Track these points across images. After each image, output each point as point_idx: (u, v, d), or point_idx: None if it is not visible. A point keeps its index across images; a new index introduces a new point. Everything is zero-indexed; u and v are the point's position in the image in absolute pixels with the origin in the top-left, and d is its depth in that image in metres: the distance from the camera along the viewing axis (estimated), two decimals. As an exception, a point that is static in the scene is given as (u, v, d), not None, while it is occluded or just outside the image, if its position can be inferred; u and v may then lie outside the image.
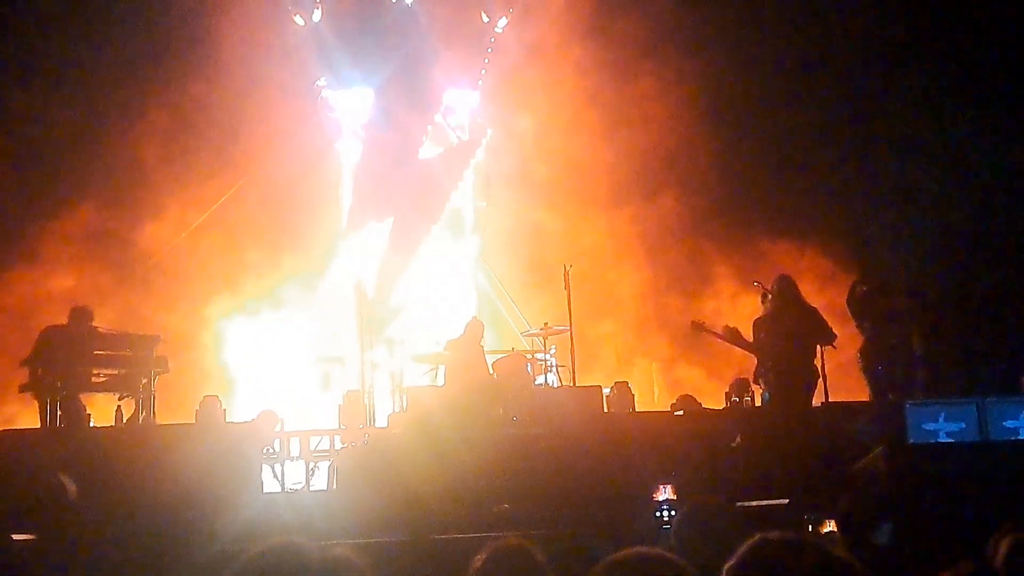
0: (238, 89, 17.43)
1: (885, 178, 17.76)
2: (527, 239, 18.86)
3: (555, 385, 14.99)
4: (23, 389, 12.74)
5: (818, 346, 11.85)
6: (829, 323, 12.04)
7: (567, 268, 14.89)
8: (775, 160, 18.62)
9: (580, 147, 18.28)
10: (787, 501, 9.85)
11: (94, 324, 13.13)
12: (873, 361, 12.86)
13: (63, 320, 13.04)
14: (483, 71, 19.57)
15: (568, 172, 18.41)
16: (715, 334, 12.27)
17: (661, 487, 9.58)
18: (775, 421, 11.84)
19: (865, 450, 10.42)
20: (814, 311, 12.03)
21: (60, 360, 12.60)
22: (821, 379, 12.04)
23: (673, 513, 9.62)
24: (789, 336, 11.72)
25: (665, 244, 18.47)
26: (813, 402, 12.20)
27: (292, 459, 12.45)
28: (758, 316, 12.15)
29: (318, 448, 12.72)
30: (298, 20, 18.77)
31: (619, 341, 18.10)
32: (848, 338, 13.03)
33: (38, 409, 12.57)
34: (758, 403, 13.42)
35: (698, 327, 12.34)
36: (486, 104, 19.71)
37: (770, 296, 12.02)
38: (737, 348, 12.27)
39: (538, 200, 18.63)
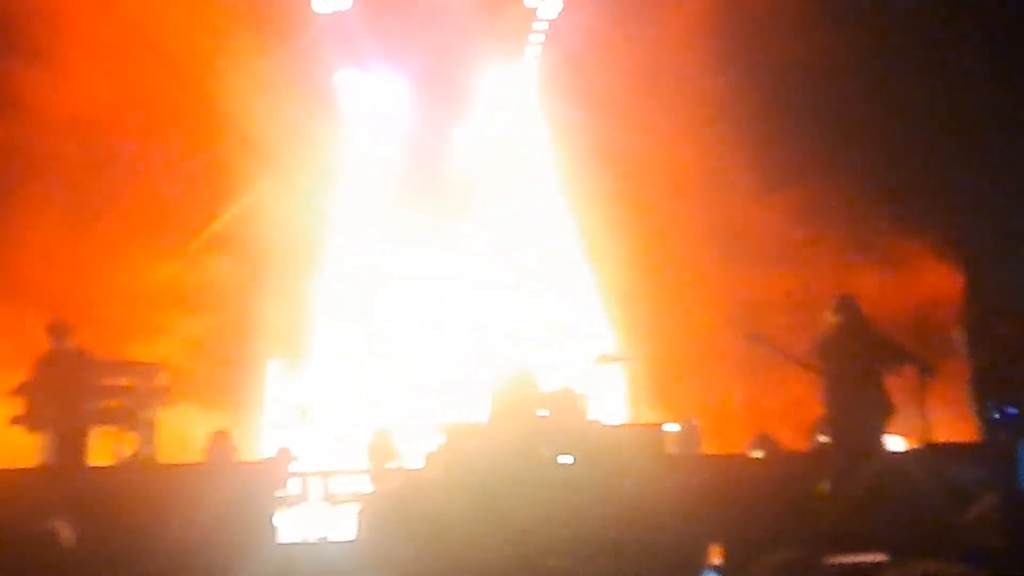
0: (246, 87, 17.70)
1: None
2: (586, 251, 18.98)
3: (611, 423, 15.04)
4: (16, 422, 12.91)
5: (921, 377, 11.85)
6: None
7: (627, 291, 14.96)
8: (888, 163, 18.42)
9: (644, 149, 18.28)
10: (886, 557, 9.87)
11: (83, 347, 13.27)
12: (983, 395, 12.80)
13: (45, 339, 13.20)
14: (533, 60, 19.71)
15: (631, 177, 18.42)
16: (777, 349, 12.28)
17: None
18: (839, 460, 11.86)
19: (973, 498, 10.42)
20: (884, 336, 12.11)
21: (57, 389, 12.74)
22: (922, 416, 12.03)
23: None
24: (855, 360, 11.79)
25: (746, 258, 18.39)
26: (903, 441, 12.13)
27: (312, 504, 12.55)
28: (818, 337, 12.16)
29: (342, 491, 12.82)
30: (317, 5, 19.03)
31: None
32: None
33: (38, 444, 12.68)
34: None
35: (757, 340, 12.32)
36: (537, 98, 19.85)
37: (831, 316, 12.08)
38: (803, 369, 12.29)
39: (596, 211, 18.68)
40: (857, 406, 11.72)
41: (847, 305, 12.10)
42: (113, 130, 16.98)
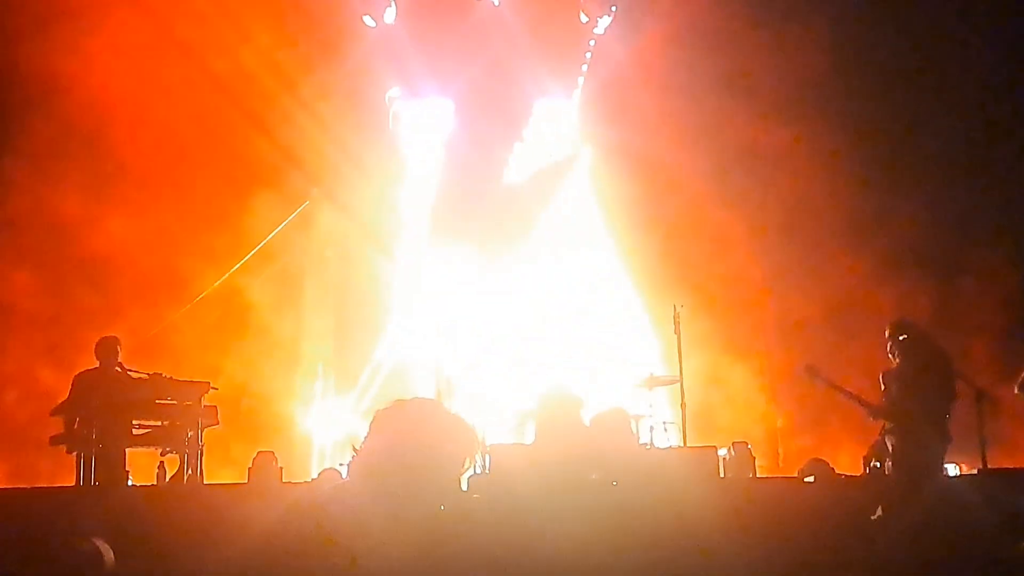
0: (296, 101, 17.81)
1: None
2: (632, 274, 18.90)
3: (663, 446, 14.95)
4: (55, 442, 13.00)
5: (977, 404, 11.67)
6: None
7: (677, 309, 14.86)
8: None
9: (694, 167, 18.20)
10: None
11: (130, 368, 13.36)
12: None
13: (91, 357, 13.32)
14: (581, 79, 19.72)
15: (681, 196, 18.34)
16: (831, 384, 12.03)
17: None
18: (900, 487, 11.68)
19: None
20: (944, 361, 11.89)
21: (95, 408, 12.81)
22: (981, 444, 11.85)
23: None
24: (911, 388, 11.59)
25: (798, 281, 18.24)
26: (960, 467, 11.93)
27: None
28: (886, 369, 11.96)
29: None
30: (368, 21, 19.16)
31: None
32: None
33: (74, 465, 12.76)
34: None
35: (812, 373, 12.09)
36: (584, 117, 19.84)
37: (888, 339, 11.87)
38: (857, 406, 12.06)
39: (644, 228, 18.62)
40: (912, 431, 11.55)
41: (905, 329, 11.91)
42: (160, 150, 17.18)
